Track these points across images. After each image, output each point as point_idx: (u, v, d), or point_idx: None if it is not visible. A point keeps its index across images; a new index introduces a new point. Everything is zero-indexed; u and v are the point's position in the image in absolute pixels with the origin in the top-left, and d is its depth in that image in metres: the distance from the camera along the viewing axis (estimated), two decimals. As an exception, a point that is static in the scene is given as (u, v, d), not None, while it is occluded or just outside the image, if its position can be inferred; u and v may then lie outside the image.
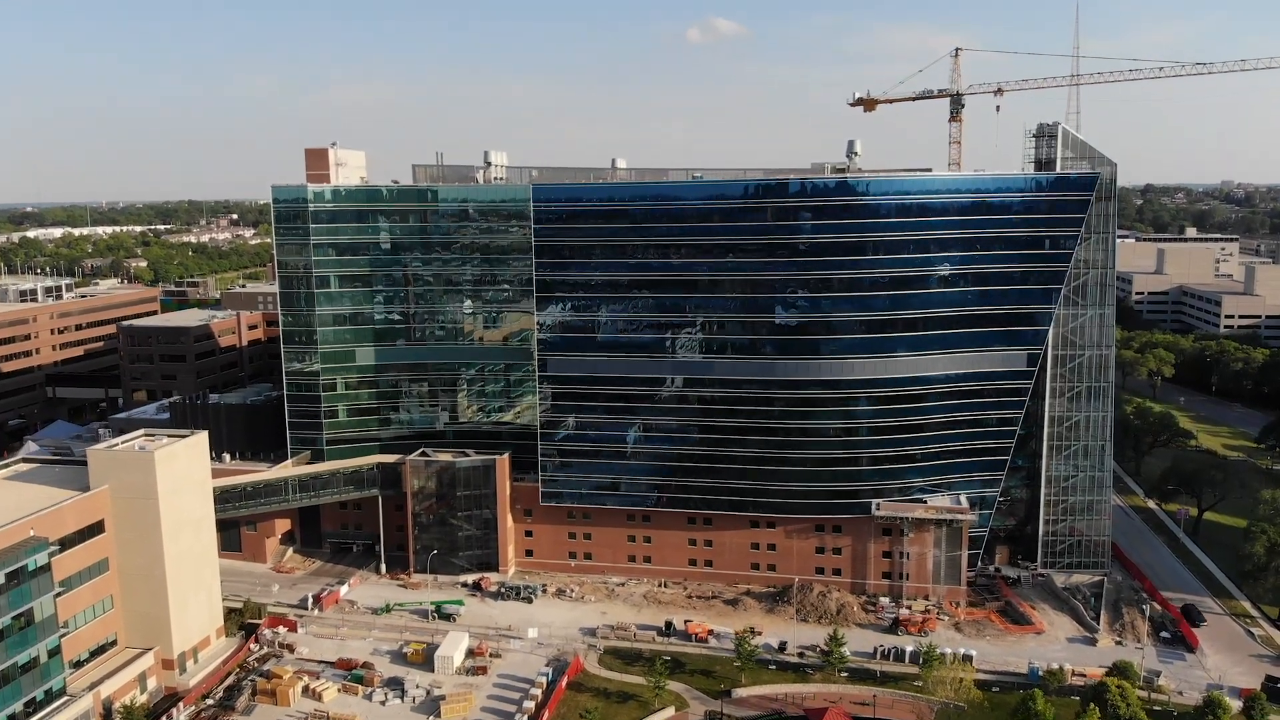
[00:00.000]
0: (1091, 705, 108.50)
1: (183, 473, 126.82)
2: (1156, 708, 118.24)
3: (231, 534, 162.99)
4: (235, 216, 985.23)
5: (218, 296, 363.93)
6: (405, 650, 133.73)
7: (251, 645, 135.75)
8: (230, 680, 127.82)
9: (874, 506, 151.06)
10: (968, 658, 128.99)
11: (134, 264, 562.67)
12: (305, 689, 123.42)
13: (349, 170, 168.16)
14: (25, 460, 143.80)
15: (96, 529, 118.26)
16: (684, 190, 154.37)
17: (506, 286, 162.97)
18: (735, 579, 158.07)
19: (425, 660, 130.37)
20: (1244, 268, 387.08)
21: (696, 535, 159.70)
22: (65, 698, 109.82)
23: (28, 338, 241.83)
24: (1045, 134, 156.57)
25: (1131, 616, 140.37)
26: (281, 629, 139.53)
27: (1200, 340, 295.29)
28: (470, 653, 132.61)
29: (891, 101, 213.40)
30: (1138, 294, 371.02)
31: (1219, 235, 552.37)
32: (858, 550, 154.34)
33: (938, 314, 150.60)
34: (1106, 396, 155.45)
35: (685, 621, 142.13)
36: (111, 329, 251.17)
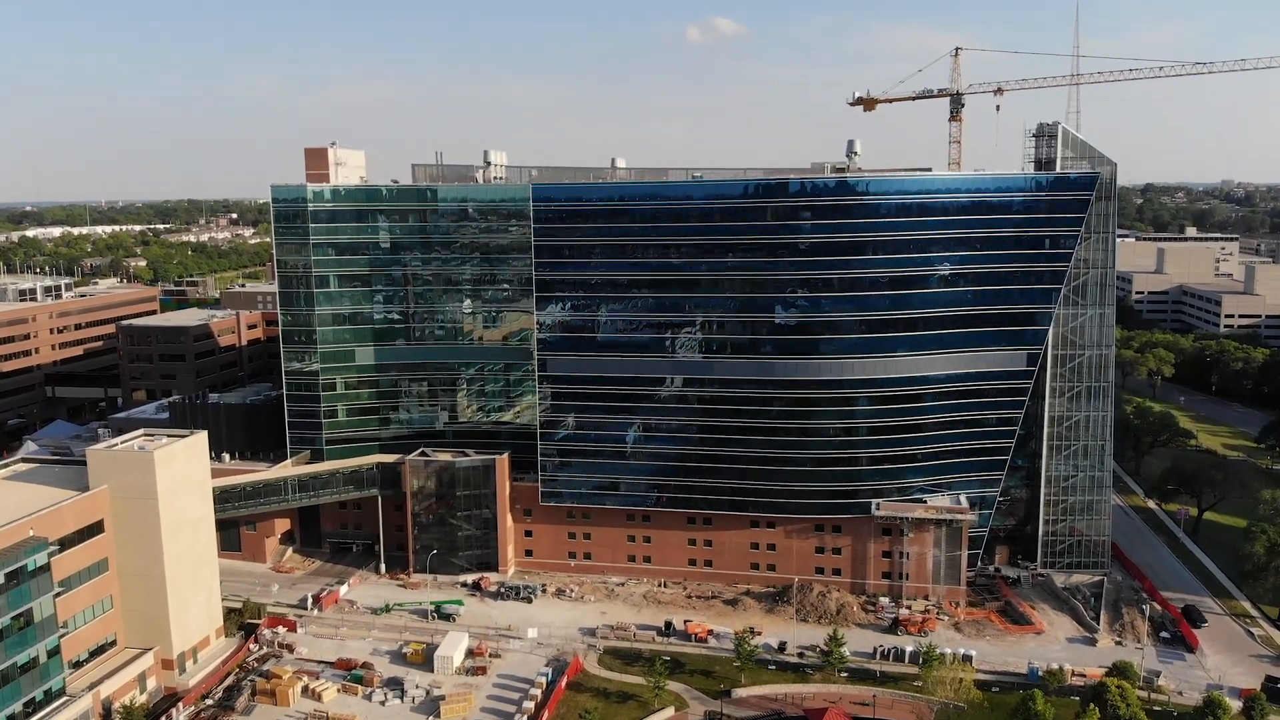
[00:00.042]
0: (1091, 705, 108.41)
1: (182, 473, 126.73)
2: (1156, 708, 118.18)
3: (231, 534, 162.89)
4: (235, 216, 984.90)
5: (217, 296, 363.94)
6: (405, 650, 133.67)
7: (251, 645, 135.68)
8: (230, 680, 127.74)
9: (874, 506, 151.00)
10: (967, 658, 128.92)
11: (133, 263, 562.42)
12: (305, 689, 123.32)
13: (348, 170, 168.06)
14: (24, 460, 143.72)
15: (96, 529, 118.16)
16: (684, 190, 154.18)
17: (506, 286, 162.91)
18: (735, 579, 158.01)
19: (425, 660, 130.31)
20: (1244, 267, 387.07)
21: (696, 535, 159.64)
22: (65, 698, 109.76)
23: (27, 337, 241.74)
24: (1045, 134, 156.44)
25: (1131, 617, 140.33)
26: (281, 629, 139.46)
27: (1200, 340, 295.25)
28: (470, 653, 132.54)
29: (891, 101, 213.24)
30: (1138, 293, 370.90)
31: (1219, 235, 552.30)
32: (857, 550, 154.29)
33: (938, 314, 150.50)
34: (1106, 396, 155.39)
35: (685, 621, 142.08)
36: (111, 328, 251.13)
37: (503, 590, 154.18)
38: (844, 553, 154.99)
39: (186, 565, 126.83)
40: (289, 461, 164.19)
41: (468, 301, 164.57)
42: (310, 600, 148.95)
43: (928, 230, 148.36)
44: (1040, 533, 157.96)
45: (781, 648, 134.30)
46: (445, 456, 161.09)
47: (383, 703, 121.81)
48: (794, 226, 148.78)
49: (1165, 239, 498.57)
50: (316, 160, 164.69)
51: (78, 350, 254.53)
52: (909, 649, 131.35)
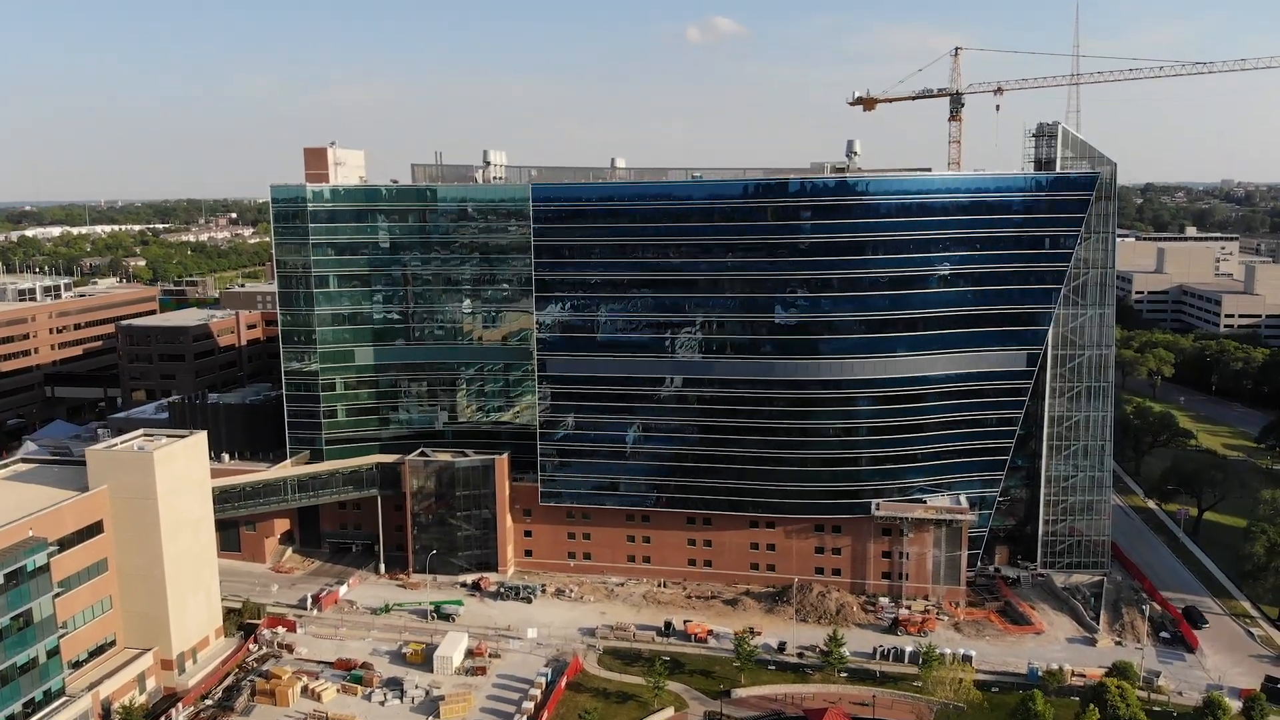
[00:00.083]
0: (1091, 706, 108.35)
1: (182, 473, 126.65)
2: (1156, 708, 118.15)
3: (230, 534, 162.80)
4: (234, 215, 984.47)
5: (216, 296, 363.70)
6: (404, 650, 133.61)
7: (250, 645, 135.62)
8: (229, 680, 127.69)
9: (874, 506, 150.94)
10: (967, 658, 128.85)
11: (132, 263, 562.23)
12: (304, 689, 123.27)
13: (348, 170, 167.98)
14: (24, 460, 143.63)
15: (95, 529, 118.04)
16: (683, 190, 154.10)
17: (506, 286, 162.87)
18: (734, 579, 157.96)
19: (424, 660, 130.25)
20: (1244, 267, 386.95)
21: (696, 535, 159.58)
22: (64, 698, 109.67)
23: (26, 337, 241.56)
24: (1045, 133, 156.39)
25: (1131, 617, 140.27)
26: (280, 629, 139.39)
27: (1200, 340, 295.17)
28: (469, 653, 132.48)
29: (891, 101, 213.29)
30: (1138, 293, 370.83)
31: (1219, 234, 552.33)
32: (857, 550, 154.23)
33: (937, 314, 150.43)
34: (1106, 396, 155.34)
35: (685, 622, 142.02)
36: (110, 328, 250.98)
37: (502, 590, 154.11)
38: (844, 553, 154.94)
39: (186, 565, 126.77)
40: (288, 461, 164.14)
41: (467, 301, 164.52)
42: (310, 600, 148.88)
43: (927, 230, 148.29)
44: (1040, 533, 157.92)
45: (781, 648, 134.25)
46: (445, 457, 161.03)
47: (382, 703, 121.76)
48: (794, 226, 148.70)
49: (1165, 239, 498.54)
50: (316, 160, 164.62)
51: (77, 350, 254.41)
52: (909, 649, 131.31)
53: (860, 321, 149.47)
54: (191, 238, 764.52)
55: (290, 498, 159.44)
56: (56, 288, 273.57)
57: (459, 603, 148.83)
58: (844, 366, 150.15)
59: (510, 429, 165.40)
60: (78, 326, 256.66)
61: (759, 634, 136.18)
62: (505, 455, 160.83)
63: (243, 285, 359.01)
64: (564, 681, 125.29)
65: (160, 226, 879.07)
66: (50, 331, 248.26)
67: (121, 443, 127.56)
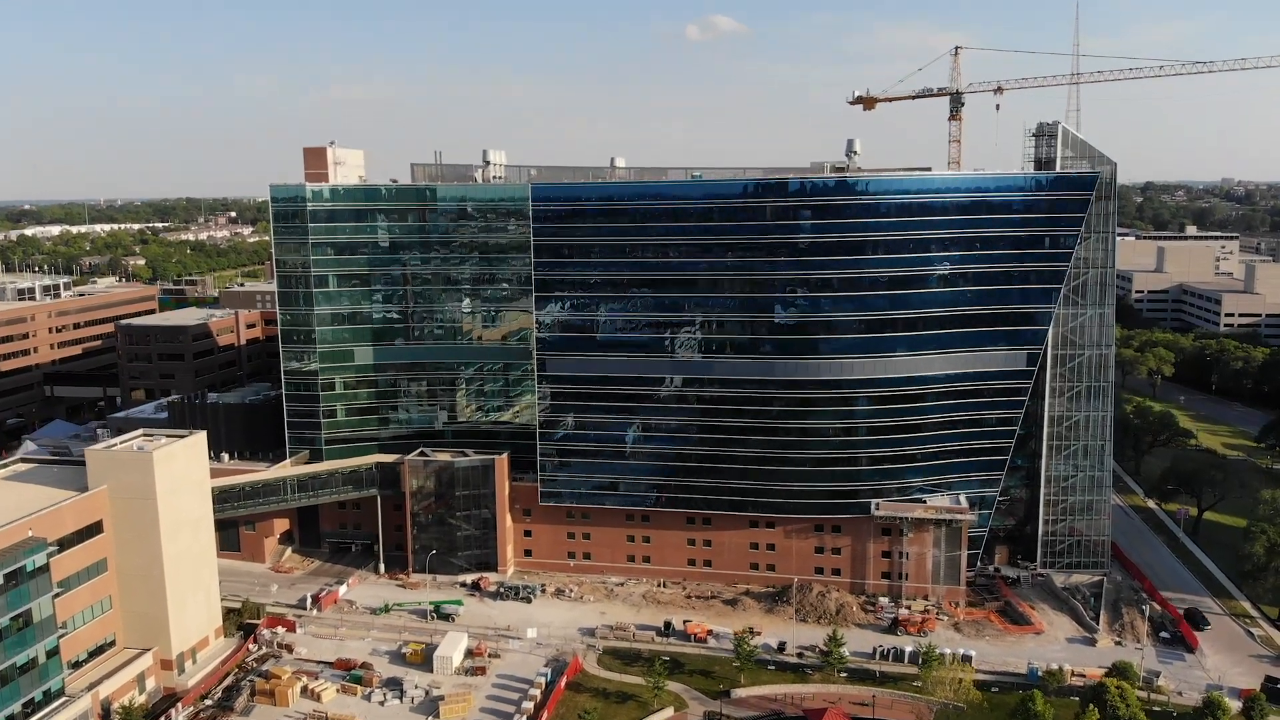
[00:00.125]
0: (1091, 706, 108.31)
1: (181, 473, 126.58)
2: (1156, 708, 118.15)
3: (230, 534, 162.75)
4: (234, 214, 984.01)
5: (216, 295, 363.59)
6: (404, 650, 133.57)
7: (250, 645, 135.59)
8: (229, 680, 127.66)
9: (873, 506, 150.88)
10: (967, 658, 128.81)
11: (132, 262, 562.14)
12: (304, 689, 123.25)
13: (347, 169, 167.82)
14: (23, 460, 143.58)
15: (95, 529, 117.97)
16: (683, 189, 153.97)
17: (505, 285, 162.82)
18: (734, 579, 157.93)
19: (424, 660, 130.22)
20: (1244, 266, 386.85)
21: (696, 535, 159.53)
22: (64, 698, 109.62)
23: (26, 336, 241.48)
24: (1045, 133, 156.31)
25: (1131, 617, 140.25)
26: (280, 629, 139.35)
27: (1200, 339, 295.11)
28: (469, 653, 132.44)
29: (891, 100, 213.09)
30: (1138, 292, 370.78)
31: (1219, 233, 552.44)
32: (857, 550, 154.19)
33: (937, 313, 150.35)
34: (1106, 396, 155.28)
35: (684, 621, 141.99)
36: (109, 328, 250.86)
37: (502, 590, 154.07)
38: (843, 553, 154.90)
39: (185, 565, 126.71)
40: (288, 461, 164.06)
41: (467, 301, 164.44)
42: (309, 600, 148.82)
43: (927, 230, 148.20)
44: (1040, 533, 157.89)
45: (781, 648, 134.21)
46: (444, 456, 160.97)
47: (382, 703, 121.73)
48: (793, 226, 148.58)
49: (1165, 238, 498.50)
50: (315, 160, 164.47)
51: (76, 350, 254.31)
52: (908, 649, 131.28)
53: (860, 321, 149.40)
54: (191, 237, 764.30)
55: (290, 498, 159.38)
56: (56, 287, 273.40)
57: (459, 603, 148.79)
58: (844, 366, 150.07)
59: (510, 429, 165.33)
60: (77, 326, 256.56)
61: (759, 634, 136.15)
62: (505, 455, 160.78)
63: (242, 285, 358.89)
64: (564, 681, 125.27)
65: (159, 225, 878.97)
66: (49, 331, 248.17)
67: (121, 443, 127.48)
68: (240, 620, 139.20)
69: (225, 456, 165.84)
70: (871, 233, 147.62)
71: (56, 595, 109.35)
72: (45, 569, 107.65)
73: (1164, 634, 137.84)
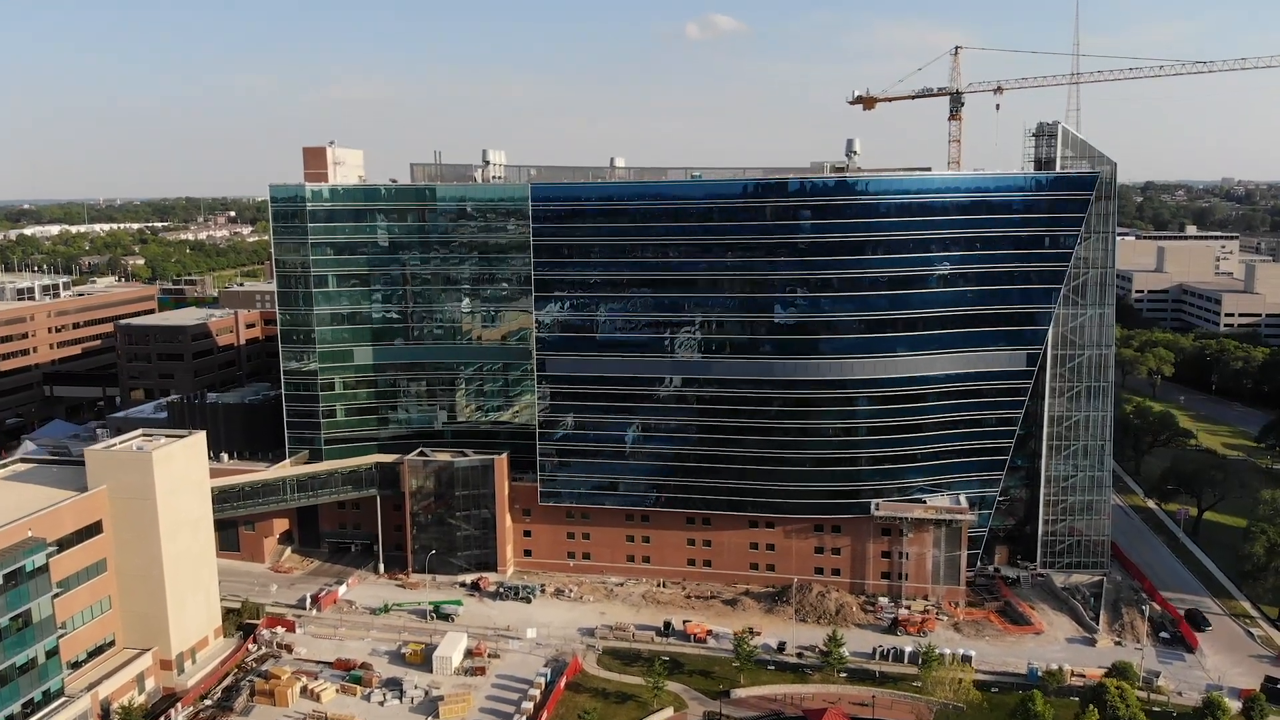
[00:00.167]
0: (1091, 706, 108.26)
1: (180, 473, 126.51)
2: (1156, 708, 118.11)
3: (229, 533, 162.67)
4: (233, 214, 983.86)
5: (215, 295, 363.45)
6: (403, 650, 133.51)
7: (250, 645, 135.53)
8: (228, 681, 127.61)
9: (873, 506, 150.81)
10: (967, 658, 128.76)
11: (131, 261, 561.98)
12: (303, 689, 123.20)
13: (347, 169, 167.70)
14: (23, 460, 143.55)
15: (94, 529, 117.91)
16: (683, 189, 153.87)
17: (505, 285, 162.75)
18: (734, 579, 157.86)
19: (423, 661, 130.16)
20: (1244, 265, 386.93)
21: (695, 535, 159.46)
22: (63, 698, 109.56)
23: (25, 336, 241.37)
24: (1045, 133, 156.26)
25: (1131, 617, 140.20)
26: (280, 629, 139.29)
27: (1200, 339, 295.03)
28: (468, 653, 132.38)
29: (891, 100, 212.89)
30: (1138, 292, 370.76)
31: (1219, 233, 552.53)
32: (857, 550, 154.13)
33: (937, 313, 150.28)
34: (1106, 396, 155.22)
35: (684, 622, 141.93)
36: (109, 327, 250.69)
37: (501, 590, 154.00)
38: (843, 553, 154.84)
39: (185, 565, 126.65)
40: (287, 461, 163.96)
41: (466, 301, 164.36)
42: (309, 600, 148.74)
43: (927, 230, 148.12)
44: (1040, 533, 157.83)
45: (781, 648, 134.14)
46: (444, 456, 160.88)
47: (381, 703, 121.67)
48: (793, 226, 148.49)
49: (1165, 237, 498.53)
50: (315, 159, 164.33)
51: (76, 349, 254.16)
52: (908, 649, 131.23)
53: (860, 321, 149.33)
54: (190, 236, 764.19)
55: (289, 498, 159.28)
56: (55, 286, 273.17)
57: (458, 603, 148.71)
58: (843, 366, 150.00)
59: (509, 429, 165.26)
60: (76, 325, 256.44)
61: (758, 634, 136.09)
62: (504, 455, 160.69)
63: (241, 284, 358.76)
64: (563, 682, 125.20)
65: (159, 225, 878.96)
66: (49, 330, 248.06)
67: (120, 443, 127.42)
68: (240, 620, 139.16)
69: (225, 456, 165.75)
70: (871, 233, 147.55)
71: (56, 595, 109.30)
72: (45, 569, 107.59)
73: (1164, 634, 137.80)
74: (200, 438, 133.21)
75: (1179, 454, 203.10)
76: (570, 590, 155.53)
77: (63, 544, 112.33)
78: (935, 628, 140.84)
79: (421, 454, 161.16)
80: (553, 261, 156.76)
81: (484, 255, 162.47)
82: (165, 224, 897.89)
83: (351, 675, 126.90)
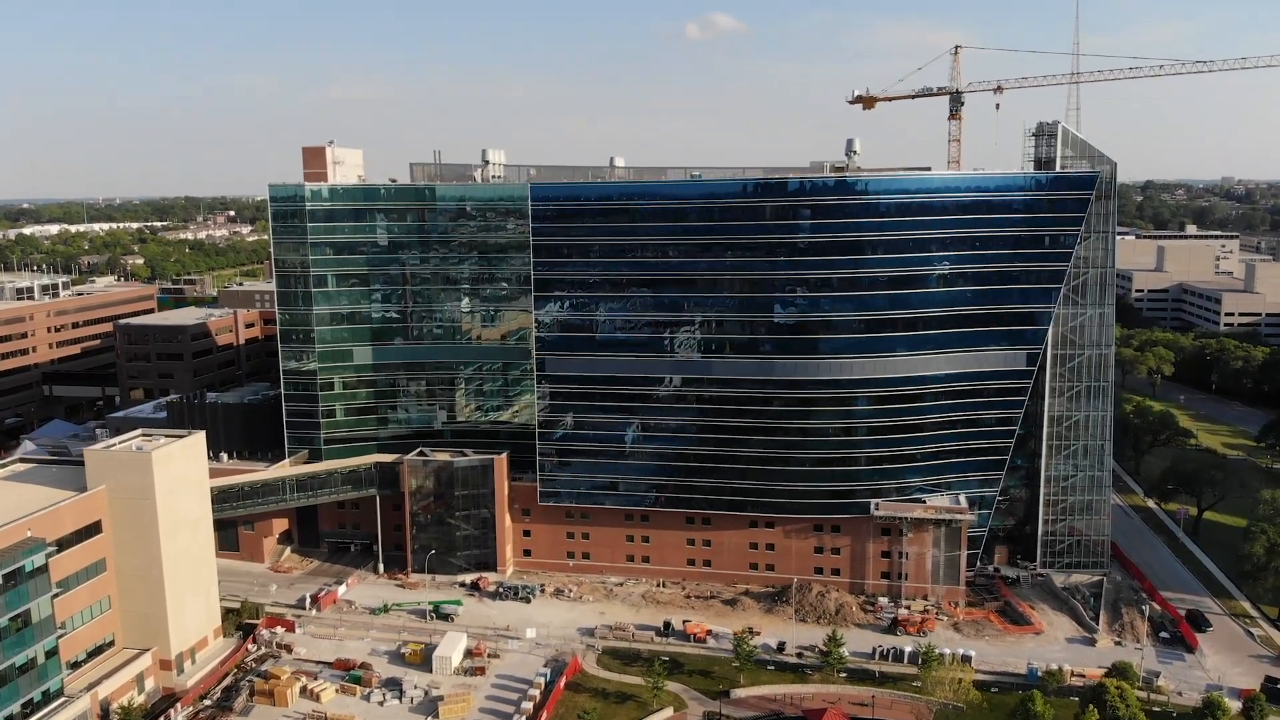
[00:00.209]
0: (1090, 706, 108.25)
1: (180, 473, 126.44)
2: (1156, 708, 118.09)
3: (229, 533, 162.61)
4: (232, 213, 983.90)
5: (215, 294, 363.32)
6: (403, 650, 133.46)
7: (249, 645, 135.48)
8: (228, 681, 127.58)
9: (873, 506, 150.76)
10: (966, 658, 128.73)
11: (130, 261, 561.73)
12: (303, 689, 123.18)
13: (346, 169, 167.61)
14: (22, 460, 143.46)
15: (94, 529, 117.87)
16: (682, 189, 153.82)
17: (504, 285, 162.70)
18: (734, 579, 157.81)
19: (423, 660, 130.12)
20: (1244, 265, 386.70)
21: (695, 535, 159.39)
22: (63, 699, 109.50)
23: (24, 335, 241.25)
24: (1045, 133, 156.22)
25: (1131, 617, 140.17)
26: (279, 629, 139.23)
27: (1200, 338, 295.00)
28: (468, 653, 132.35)
29: (891, 99, 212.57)
30: (1138, 291, 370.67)
31: (1219, 232, 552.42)
32: (856, 550, 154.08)
33: (937, 313, 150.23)
34: (1106, 396, 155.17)
35: (684, 621, 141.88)
36: (108, 327, 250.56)
37: (501, 590, 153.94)
38: (843, 553, 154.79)
39: (184, 565, 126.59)
40: (287, 461, 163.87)
41: (466, 300, 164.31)
42: (308, 600, 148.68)
43: (927, 229, 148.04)
44: (1040, 532, 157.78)
45: (780, 648, 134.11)
46: (443, 456, 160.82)
47: (381, 703, 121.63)
48: (793, 226, 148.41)
49: (1165, 237, 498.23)
50: (314, 159, 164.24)
51: (75, 349, 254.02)
52: (908, 649, 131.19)
53: (860, 321, 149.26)
54: (189, 235, 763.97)
55: (289, 497, 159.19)
56: (54, 286, 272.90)
57: (458, 603, 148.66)
58: (843, 366, 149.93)
59: (509, 428, 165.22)
60: (76, 325, 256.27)
61: (758, 634, 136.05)
62: (504, 455, 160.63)
63: (241, 284, 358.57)
64: (563, 681, 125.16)
65: (158, 224, 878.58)
66: (48, 330, 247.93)
67: (120, 443, 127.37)
68: (239, 620, 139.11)
69: (224, 456, 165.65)
70: (871, 232, 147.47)
71: (55, 595, 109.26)
72: (44, 569, 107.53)
73: (1164, 634, 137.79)
74: (200, 438, 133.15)
75: (1179, 454, 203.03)
76: (570, 590, 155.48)
77: (62, 544, 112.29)
78: (935, 628, 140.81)
79: (421, 454, 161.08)
80: (552, 261, 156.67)
81: (483, 255, 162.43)
82: (165, 223, 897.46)
83: (351, 675, 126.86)
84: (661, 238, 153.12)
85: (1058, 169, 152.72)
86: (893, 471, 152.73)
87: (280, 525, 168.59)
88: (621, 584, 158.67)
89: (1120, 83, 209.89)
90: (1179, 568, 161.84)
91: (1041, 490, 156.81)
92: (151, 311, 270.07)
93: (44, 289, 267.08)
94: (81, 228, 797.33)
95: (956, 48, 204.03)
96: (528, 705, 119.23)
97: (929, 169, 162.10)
